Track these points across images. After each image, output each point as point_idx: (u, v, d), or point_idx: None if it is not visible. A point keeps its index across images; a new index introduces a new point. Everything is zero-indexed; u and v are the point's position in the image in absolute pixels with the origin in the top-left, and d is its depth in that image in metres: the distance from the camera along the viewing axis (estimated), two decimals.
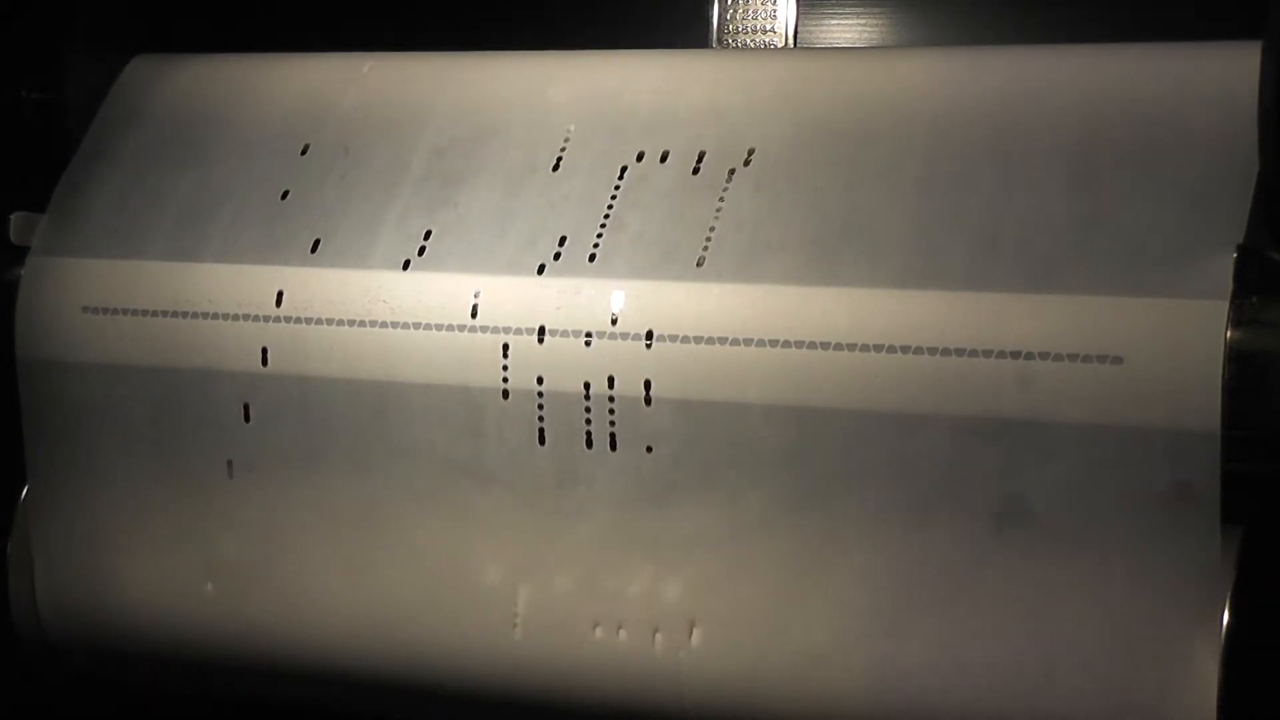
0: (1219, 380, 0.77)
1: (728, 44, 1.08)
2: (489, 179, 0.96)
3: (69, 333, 1.01)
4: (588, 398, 0.89)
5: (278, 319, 0.96)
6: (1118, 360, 0.79)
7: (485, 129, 0.98)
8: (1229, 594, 0.79)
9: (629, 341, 0.88)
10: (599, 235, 0.91)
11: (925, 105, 0.91)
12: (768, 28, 1.07)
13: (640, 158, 0.94)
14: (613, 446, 0.89)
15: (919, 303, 0.84)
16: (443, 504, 0.93)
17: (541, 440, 0.90)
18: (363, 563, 0.96)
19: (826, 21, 1.07)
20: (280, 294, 0.96)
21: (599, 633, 0.91)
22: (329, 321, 0.95)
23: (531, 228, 0.93)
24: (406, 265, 0.94)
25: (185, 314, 0.98)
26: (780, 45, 1.07)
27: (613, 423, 0.89)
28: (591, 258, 0.91)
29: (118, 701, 1.14)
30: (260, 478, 0.97)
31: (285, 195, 0.99)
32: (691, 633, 0.89)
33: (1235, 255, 0.79)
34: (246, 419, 0.97)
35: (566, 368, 0.89)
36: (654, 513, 0.89)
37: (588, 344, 0.89)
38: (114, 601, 1.03)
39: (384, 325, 0.93)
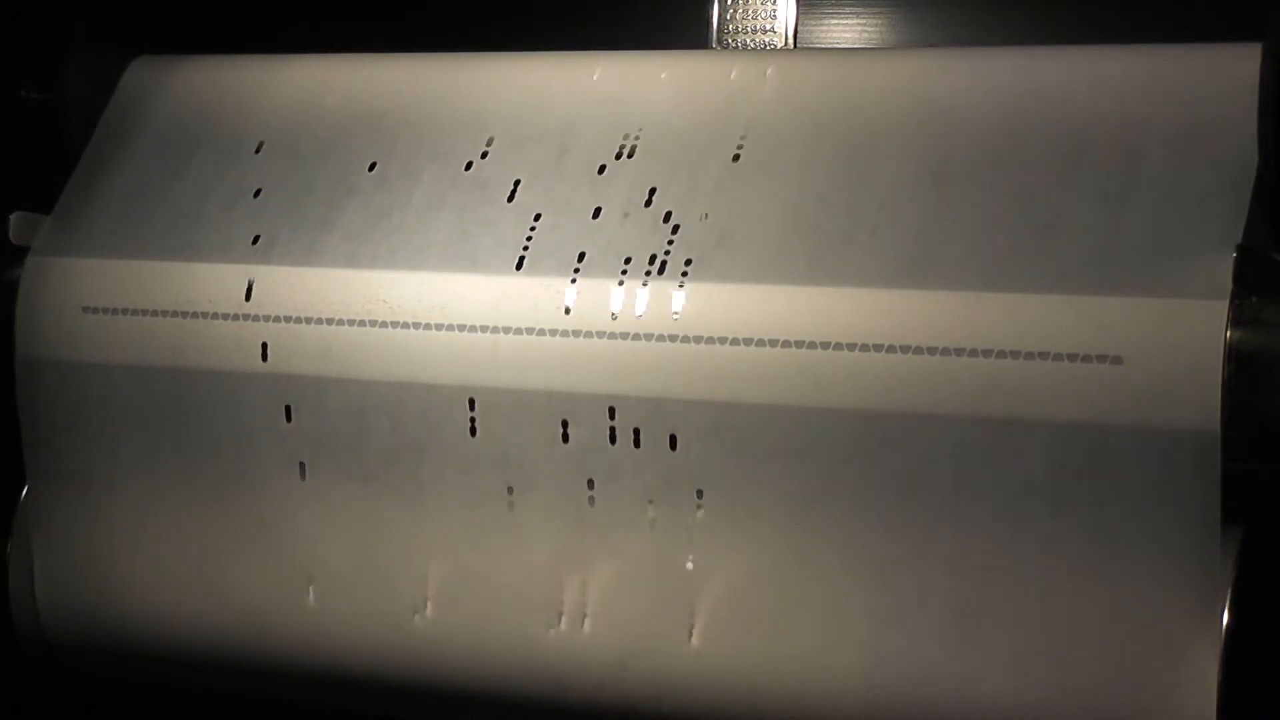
0: (1219, 380, 0.78)
1: (728, 44, 1.08)
2: (491, 181, 0.96)
3: (69, 333, 1.01)
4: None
5: (278, 318, 0.96)
6: (1118, 360, 0.79)
7: (488, 130, 0.98)
8: (1229, 594, 0.80)
9: (630, 342, 0.88)
10: (598, 238, 0.91)
11: (925, 106, 0.91)
12: (767, 28, 1.07)
13: (631, 154, 0.94)
14: (611, 441, 0.89)
15: (919, 303, 0.84)
16: (448, 504, 0.93)
17: (565, 439, 0.90)
18: (364, 562, 0.96)
19: (826, 21, 1.07)
20: (280, 294, 0.96)
21: (587, 625, 0.91)
22: (329, 321, 0.95)
23: (529, 229, 0.93)
24: (410, 266, 0.94)
25: (185, 314, 0.98)
26: (780, 45, 1.07)
27: (613, 425, 0.89)
28: (588, 258, 0.91)
29: (118, 701, 1.14)
30: (260, 477, 0.97)
31: (286, 195, 0.99)
32: (692, 633, 0.89)
33: (1235, 255, 0.79)
34: (246, 419, 0.97)
35: (580, 368, 0.89)
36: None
37: (592, 345, 0.89)
38: (114, 601, 1.03)
39: (384, 325, 0.93)
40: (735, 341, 0.86)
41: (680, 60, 0.99)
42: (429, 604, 0.95)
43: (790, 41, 1.07)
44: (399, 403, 0.93)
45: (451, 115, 1.00)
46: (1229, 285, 0.79)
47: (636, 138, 0.95)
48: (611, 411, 0.88)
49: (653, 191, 0.92)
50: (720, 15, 1.08)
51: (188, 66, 1.09)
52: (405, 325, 0.93)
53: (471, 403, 0.91)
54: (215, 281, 0.98)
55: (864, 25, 1.07)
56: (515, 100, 0.99)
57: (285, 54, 1.08)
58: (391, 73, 1.04)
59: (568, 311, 0.90)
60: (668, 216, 0.91)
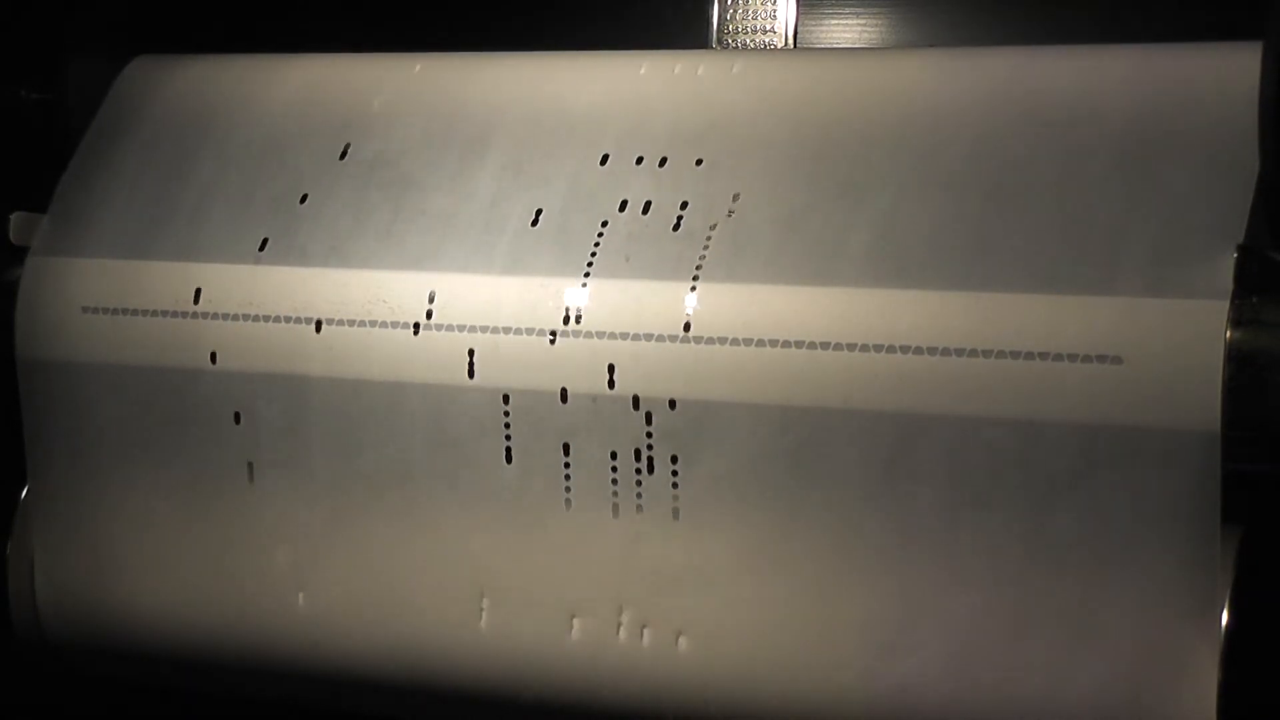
0: (1219, 380, 0.78)
1: (728, 44, 1.08)
2: (490, 181, 0.96)
3: (69, 333, 1.01)
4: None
5: (276, 319, 0.96)
6: (1118, 360, 0.79)
7: (487, 130, 0.98)
8: (1229, 594, 0.80)
9: (629, 342, 0.88)
10: (599, 237, 0.91)
11: (924, 106, 0.91)
12: (767, 28, 1.08)
13: (639, 161, 0.94)
14: (613, 455, 0.89)
15: (920, 303, 0.84)
16: (446, 505, 0.93)
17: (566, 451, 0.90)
18: (363, 563, 0.96)
19: (826, 21, 1.07)
20: (279, 294, 0.96)
21: (576, 633, 0.91)
22: (329, 321, 0.95)
23: (528, 229, 0.93)
24: (412, 267, 0.94)
25: (185, 314, 0.98)
26: (780, 45, 1.07)
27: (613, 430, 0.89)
28: (592, 259, 0.91)
29: (118, 701, 1.14)
30: (259, 477, 0.97)
31: (285, 196, 0.99)
32: (678, 639, 0.89)
33: (1235, 255, 0.79)
34: (246, 419, 0.97)
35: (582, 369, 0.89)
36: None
37: (598, 345, 0.89)
38: (114, 601, 1.03)
39: (385, 325, 0.93)
40: (737, 342, 0.86)
41: (669, 59, 0.99)
42: (430, 606, 0.95)
43: (790, 41, 1.07)
44: (403, 403, 0.93)
45: (451, 114, 1.00)
46: (1229, 285, 0.79)
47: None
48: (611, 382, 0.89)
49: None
50: (720, 15, 1.08)
51: (184, 66, 1.09)
52: (406, 325, 0.93)
53: (476, 404, 0.91)
54: (215, 282, 0.98)
55: (864, 25, 1.07)
56: (520, 96, 0.99)
57: (284, 54, 1.08)
58: (392, 73, 1.04)
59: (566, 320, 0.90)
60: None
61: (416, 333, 0.92)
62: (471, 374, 0.91)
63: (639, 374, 0.88)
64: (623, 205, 0.92)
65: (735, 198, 0.90)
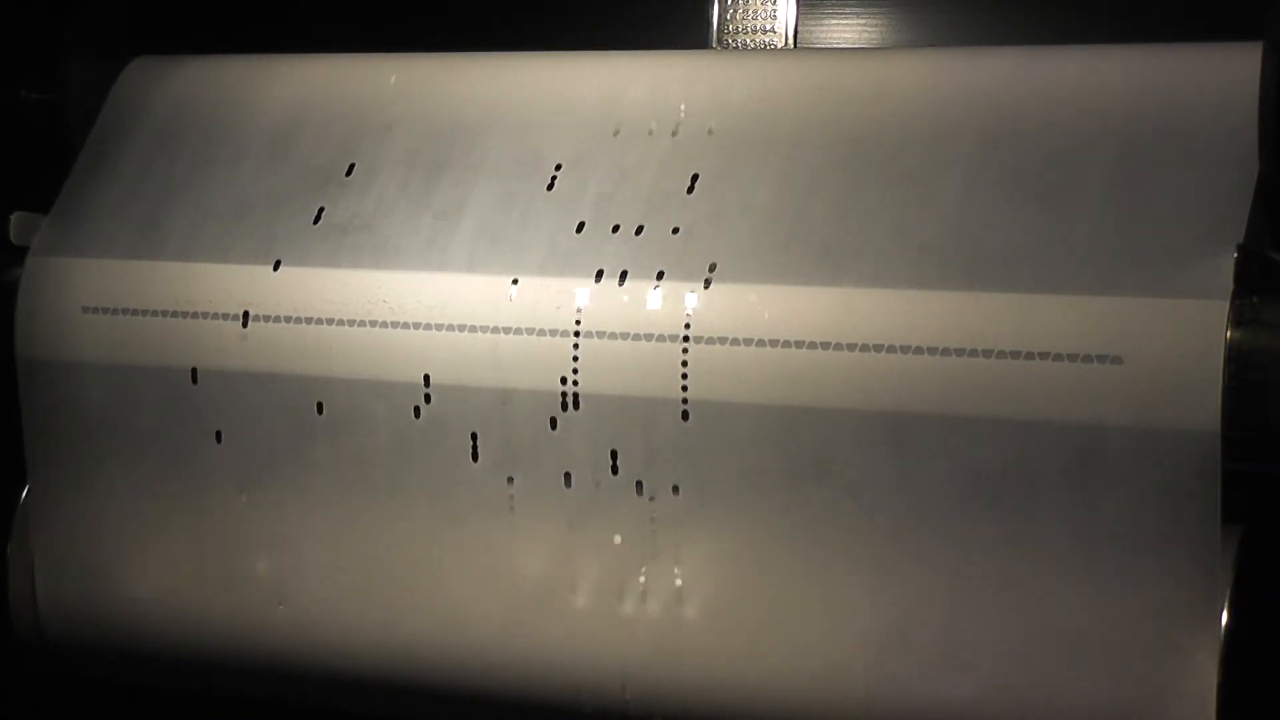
0: (1219, 380, 0.78)
1: (728, 44, 1.08)
2: (492, 182, 0.96)
3: (69, 333, 1.01)
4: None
5: (278, 319, 0.96)
6: (1118, 360, 0.80)
7: (486, 130, 0.98)
8: (1229, 594, 0.80)
9: (634, 342, 0.88)
10: (601, 237, 0.91)
11: (925, 106, 0.91)
12: (768, 28, 1.08)
13: (615, 229, 0.93)
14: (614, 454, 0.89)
15: (919, 303, 0.84)
16: (445, 501, 0.93)
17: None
18: (361, 562, 0.96)
19: (826, 21, 1.07)
20: (281, 294, 0.96)
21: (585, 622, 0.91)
22: (329, 321, 0.95)
23: (528, 229, 0.93)
24: (409, 265, 0.94)
25: (184, 314, 0.98)
26: (780, 45, 1.07)
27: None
28: (597, 257, 0.91)
29: (118, 701, 1.14)
30: (259, 477, 0.97)
31: (284, 196, 0.99)
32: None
33: (1235, 255, 0.79)
34: (247, 419, 0.97)
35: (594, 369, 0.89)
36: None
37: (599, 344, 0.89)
38: (114, 601, 1.03)
39: (384, 325, 0.93)
40: (737, 342, 0.86)
41: (667, 60, 0.99)
42: (434, 606, 0.95)
43: (790, 41, 1.07)
44: (401, 402, 0.93)
45: (448, 115, 1.00)
46: (1229, 285, 0.79)
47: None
48: (614, 454, 0.89)
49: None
50: (720, 15, 1.08)
51: (183, 67, 1.09)
52: (406, 325, 0.93)
53: (477, 403, 0.92)
54: (216, 282, 0.98)
55: (864, 25, 1.07)
56: (515, 96, 0.99)
57: (284, 54, 1.08)
58: (391, 72, 1.04)
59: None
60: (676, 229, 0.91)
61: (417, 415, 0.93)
62: (476, 458, 0.92)
63: (641, 457, 0.88)
64: (599, 275, 0.91)
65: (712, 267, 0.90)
